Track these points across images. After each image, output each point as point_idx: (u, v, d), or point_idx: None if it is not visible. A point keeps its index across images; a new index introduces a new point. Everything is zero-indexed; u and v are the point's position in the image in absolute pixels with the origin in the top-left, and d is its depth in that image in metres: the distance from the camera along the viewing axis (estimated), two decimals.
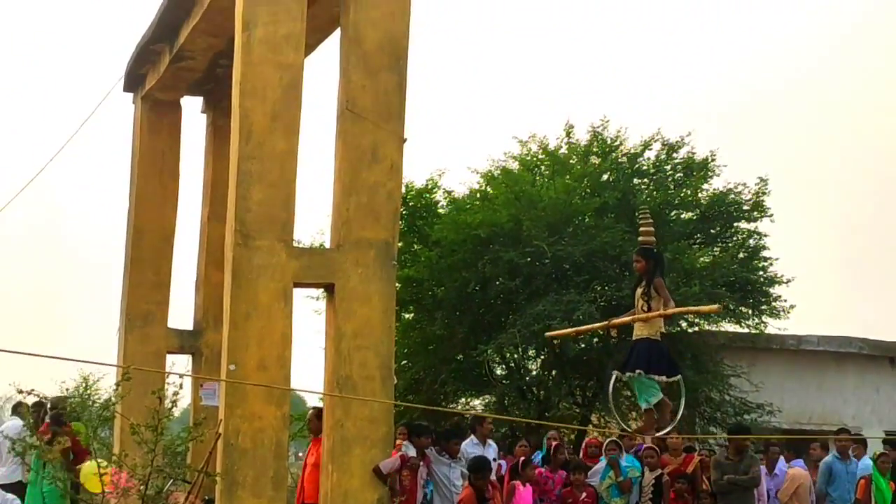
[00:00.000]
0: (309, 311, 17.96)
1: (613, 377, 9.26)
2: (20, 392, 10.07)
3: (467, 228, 16.57)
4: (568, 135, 18.75)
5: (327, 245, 11.63)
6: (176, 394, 9.52)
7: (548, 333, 11.86)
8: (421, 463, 11.17)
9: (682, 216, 18.23)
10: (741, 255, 18.05)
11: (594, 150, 18.60)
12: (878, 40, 77.70)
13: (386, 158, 10.66)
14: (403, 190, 15.01)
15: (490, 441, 12.34)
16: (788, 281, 17.88)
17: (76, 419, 11.40)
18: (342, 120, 10.70)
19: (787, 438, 15.01)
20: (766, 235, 18.25)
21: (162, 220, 15.19)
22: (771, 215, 18.19)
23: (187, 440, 10.27)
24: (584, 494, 11.64)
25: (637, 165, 18.42)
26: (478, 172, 18.62)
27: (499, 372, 18.17)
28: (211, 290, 14.70)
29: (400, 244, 13.06)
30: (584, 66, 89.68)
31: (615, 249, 16.04)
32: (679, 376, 9.29)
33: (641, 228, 9.41)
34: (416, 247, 18.18)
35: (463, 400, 19.14)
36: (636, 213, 10.54)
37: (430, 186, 18.49)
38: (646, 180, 18.41)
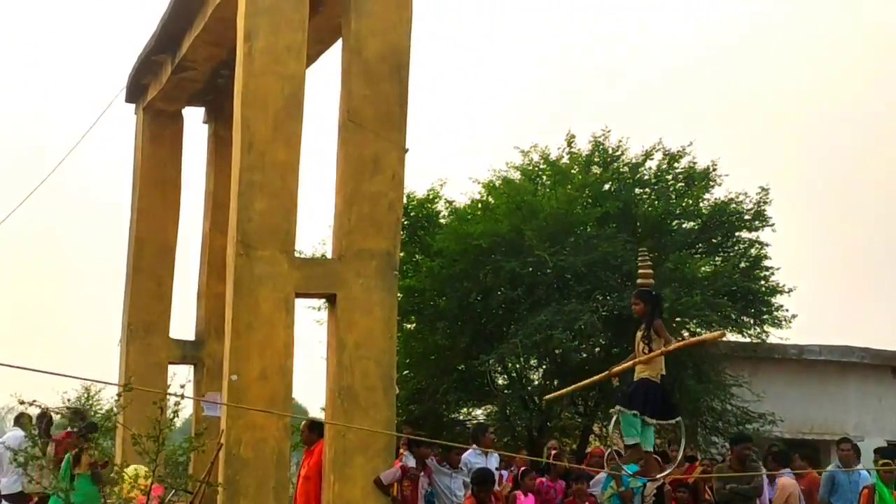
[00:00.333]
0: (311, 322, 17.98)
1: (616, 416, 9.26)
2: (22, 403, 10.07)
3: (469, 238, 16.58)
4: (569, 145, 18.78)
5: (329, 255, 11.63)
6: (177, 404, 9.52)
7: (545, 398, 11.85)
8: (422, 473, 11.16)
9: (684, 226, 18.25)
10: (743, 264, 18.05)
11: (595, 159, 18.62)
12: (882, 51, 77.83)
13: (387, 169, 10.67)
14: (405, 200, 15.02)
15: (492, 451, 12.33)
16: (790, 290, 17.89)
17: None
18: (344, 130, 10.71)
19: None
20: (767, 245, 18.26)
21: (163, 230, 15.20)
22: (772, 225, 18.21)
23: (189, 450, 10.27)
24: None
25: (638, 175, 18.43)
26: (479, 182, 18.66)
27: (500, 382, 18.16)
28: (212, 300, 14.70)
29: (401, 254, 13.05)
30: (586, 76, 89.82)
31: (617, 259, 16.05)
32: (678, 419, 9.31)
33: (640, 270, 9.39)
34: (417, 257, 18.19)
35: (465, 410, 19.13)
36: (633, 236, 10.52)
37: (431, 196, 18.52)
38: (647, 190, 18.42)
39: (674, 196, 18.23)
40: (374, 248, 10.55)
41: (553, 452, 12.50)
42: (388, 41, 10.80)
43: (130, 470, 10.17)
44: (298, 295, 10.49)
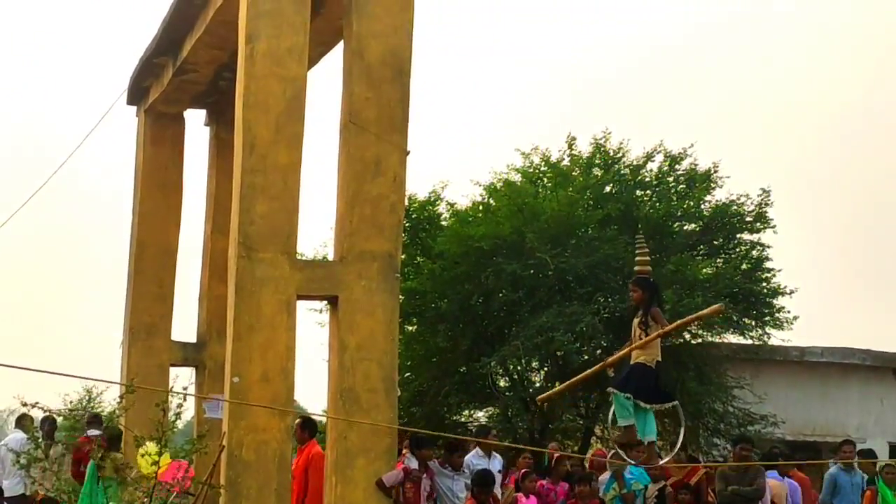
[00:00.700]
0: (312, 324, 17.99)
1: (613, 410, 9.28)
2: (24, 405, 10.08)
3: (470, 241, 16.59)
4: (570, 147, 18.78)
5: (331, 257, 11.63)
6: (180, 406, 9.52)
7: (539, 398, 11.83)
8: (424, 475, 11.16)
9: (685, 228, 18.27)
10: (744, 266, 18.06)
11: (597, 162, 18.63)
12: (886, 53, 77.83)
13: (389, 171, 10.66)
14: (406, 202, 15.03)
15: (495, 453, 12.33)
16: (792, 292, 17.90)
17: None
18: (345, 132, 10.71)
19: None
20: (768, 247, 18.28)
21: (165, 232, 15.19)
22: (774, 227, 18.23)
23: (191, 452, 10.26)
24: None
25: (639, 177, 18.44)
26: (480, 185, 18.68)
27: (502, 384, 18.17)
28: (214, 302, 14.69)
29: (403, 256, 13.07)
30: (586, 78, 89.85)
31: (618, 261, 16.06)
32: (676, 402, 9.32)
33: (638, 258, 9.43)
34: (419, 259, 18.21)
35: (466, 412, 19.13)
36: (634, 239, 10.52)
37: (432, 199, 18.53)
38: (648, 192, 18.44)
39: (675, 198, 18.25)
40: (375, 250, 10.54)
41: (555, 455, 12.48)
42: (390, 43, 10.80)
43: (141, 449, 10.11)
44: (300, 297, 10.49)
